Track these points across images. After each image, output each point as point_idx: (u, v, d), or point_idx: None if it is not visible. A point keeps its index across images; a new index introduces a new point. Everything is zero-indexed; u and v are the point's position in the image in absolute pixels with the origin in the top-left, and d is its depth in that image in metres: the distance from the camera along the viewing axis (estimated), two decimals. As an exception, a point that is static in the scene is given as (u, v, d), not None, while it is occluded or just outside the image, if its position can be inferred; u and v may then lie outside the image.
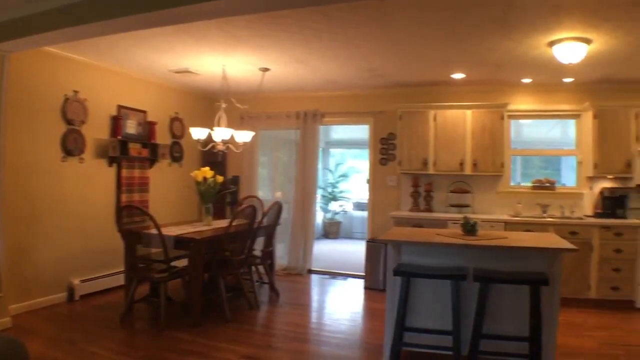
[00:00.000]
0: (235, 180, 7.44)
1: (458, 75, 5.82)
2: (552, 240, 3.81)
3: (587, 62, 5.08)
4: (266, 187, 7.66)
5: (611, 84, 6.28)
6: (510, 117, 6.24)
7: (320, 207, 11.46)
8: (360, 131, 10.91)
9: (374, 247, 6.14)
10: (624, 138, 5.88)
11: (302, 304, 5.52)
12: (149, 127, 6.24)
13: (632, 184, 5.93)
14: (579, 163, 6.41)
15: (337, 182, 11.85)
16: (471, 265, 3.55)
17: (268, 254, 5.58)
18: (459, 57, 5.03)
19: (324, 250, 9.30)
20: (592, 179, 6.24)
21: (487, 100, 6.21)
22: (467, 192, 6.21)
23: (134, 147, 5.97)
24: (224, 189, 6.79)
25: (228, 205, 7.33)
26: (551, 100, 6.38)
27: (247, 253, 5.04)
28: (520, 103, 6.37)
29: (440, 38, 4.36)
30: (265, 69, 5.57)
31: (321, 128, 7.13)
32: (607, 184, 6.22)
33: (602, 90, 6.30)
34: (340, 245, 10.44)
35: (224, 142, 5.26)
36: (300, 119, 6.89)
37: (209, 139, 5.24)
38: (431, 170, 6.07)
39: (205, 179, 5.13)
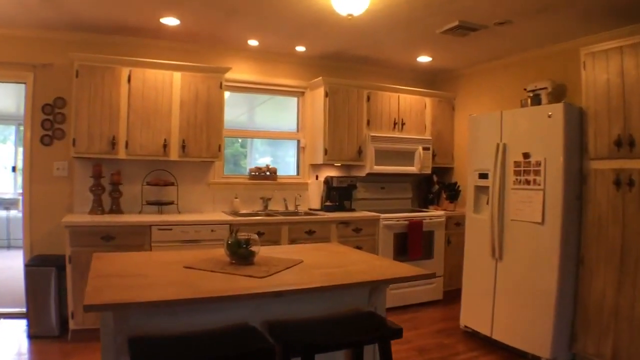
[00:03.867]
0: None
1: (171, 21, 4.86)
2: (354, 258, 3.18)
3: (327, 30, 4.97)
4: None
5: (343, 62, 6.29)
6: (226, 88, 5.53)
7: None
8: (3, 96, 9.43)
9: (39, 274, 4.72)
10: (355, 122, 5.91)
11: None
12: None
13: (363, 173, 5.98)
14: (302, 148, 6.27)
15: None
16: (259, 318, 2.51)
17: None
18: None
19: None
20: (316, 167, 6.20)
21: (203, 62, 5.53)
22: (170, 184, 5.34)
23: None
24: None
25: None
26: (275, 72, 6.09)
27: None
28: (240, 72, 5.88)
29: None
30: None
31: None
32: (332, 173, 6.23)
33: (332, 68, 6.28)
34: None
35: None
36: None
37: None
38: (122, 154, 4.95)
39: None
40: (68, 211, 5.14)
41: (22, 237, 5.28)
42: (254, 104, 6.53)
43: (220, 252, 2.90)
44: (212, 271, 2.57)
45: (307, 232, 5.29)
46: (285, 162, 6.47)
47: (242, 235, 2.75)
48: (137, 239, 4.61)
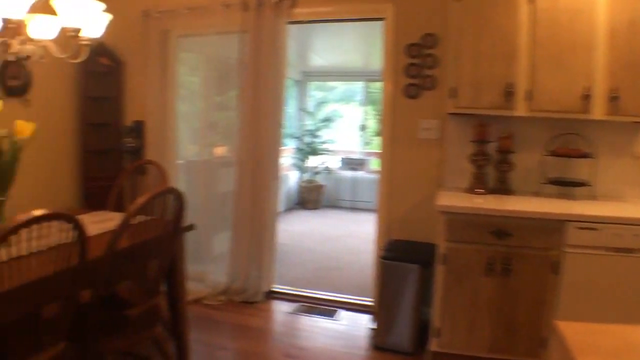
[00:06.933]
0: (138, 128, 4.83)
1: None
2: None
3: None
4: (189, 140, 5.21)
5: None
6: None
7: (294, 164, 9.35)
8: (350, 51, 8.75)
9: (396, 270, 3.53)
10: None
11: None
12: None
13: None
14: None
15: (318, 129, 9.60)
16: None
17: (174, 281, 3.21)
18: None
19: (301, 234, 7.18)
20: None
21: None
22: (583, 155, 3.52)
23: None
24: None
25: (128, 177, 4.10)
26: None
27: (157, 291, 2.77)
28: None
29: None
30: None
31: (296, 31, 4.61)
32: None
33: None
34: (324, 224, 8.14)
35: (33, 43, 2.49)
36: (250, 10, 4.21)
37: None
38: (521, 110, 3.34)
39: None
40: (436, 186, 3.84)
41: (377, 215, 4.19)
42: None
43: None
44: None
45: None
46: None
47: None
48: (543, 239, 3.02)
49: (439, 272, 3.20)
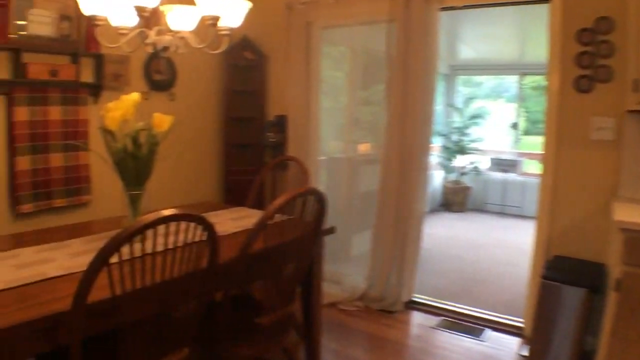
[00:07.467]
0: (281, 123, 4.77)
1: None
2: None
3: None
4: (332, 136, 5.08)
5: None
6: None
7: (440, 163, 8.89)
8: (510, 39, 7.91)
9: (556, 291, 3.09)
10: None
11: None
12: (85, 25, 3.67)
13: None
14: None
15: (467, 126, 8.98)
16: None
17: (311, 285, 3.05)
18: None
19: (444, 238, 6.80)
20: None
21: None
22: None
23: (45, 62, 3.54)
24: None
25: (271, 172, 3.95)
26: None
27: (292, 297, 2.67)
28: None
29: None
30: None
31: (444, 21, 4.11)
32: None
33: None
34: (469, 229, 7.65)
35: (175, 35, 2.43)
36: (397, -1, 3.93)
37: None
38: None
39: (125, 124, 2.40)
40: (611, 196, 3.30)
41: (536, 226, 3.70)
42: None
43: None
44: None
45: None
46: None
47: None
48: None
49: (611, 299, 2.70)
